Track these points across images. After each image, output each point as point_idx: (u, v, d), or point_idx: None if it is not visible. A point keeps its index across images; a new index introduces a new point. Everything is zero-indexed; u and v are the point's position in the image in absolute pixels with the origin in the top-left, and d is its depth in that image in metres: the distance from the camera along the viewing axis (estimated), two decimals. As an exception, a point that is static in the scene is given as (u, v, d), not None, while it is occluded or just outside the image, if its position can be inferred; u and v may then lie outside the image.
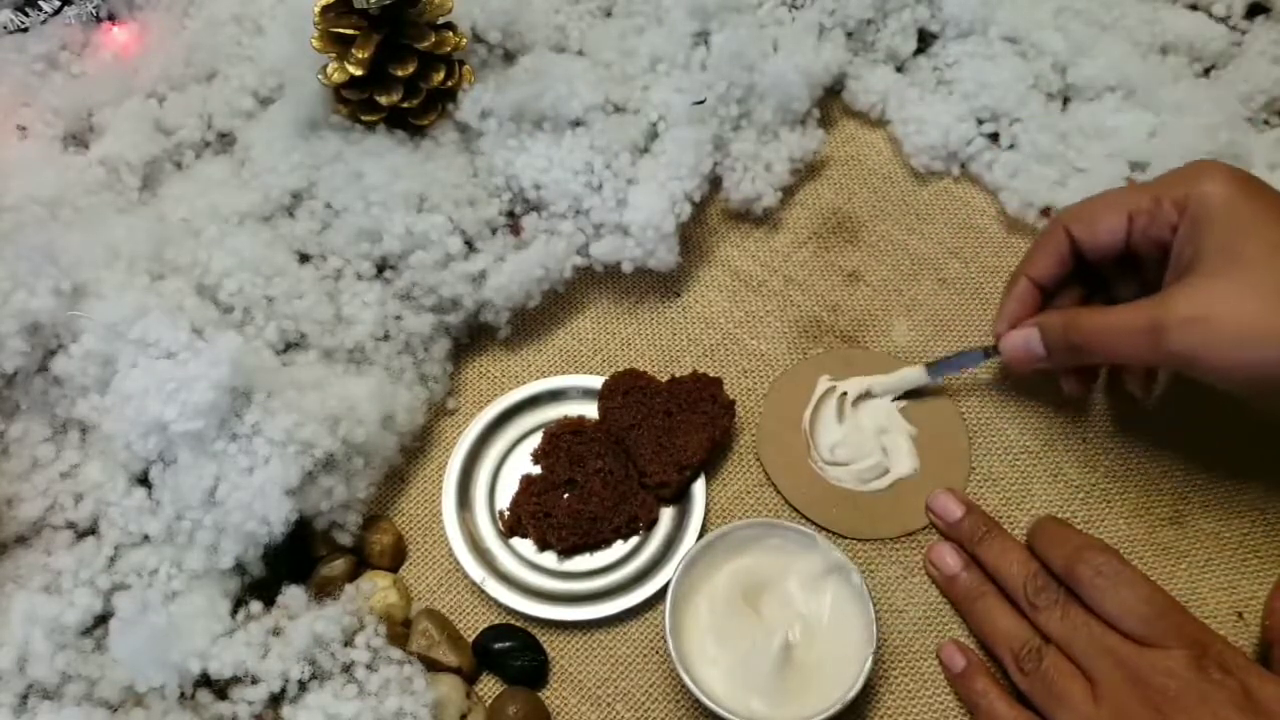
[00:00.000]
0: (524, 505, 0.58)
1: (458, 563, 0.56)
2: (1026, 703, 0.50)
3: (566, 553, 0.57)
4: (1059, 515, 0.57)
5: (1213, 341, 0.47)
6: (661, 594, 0.54)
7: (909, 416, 0.60)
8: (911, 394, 0.60)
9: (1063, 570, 0.51)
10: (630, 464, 0.58)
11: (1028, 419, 0.61)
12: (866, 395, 0.60)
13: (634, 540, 0.57)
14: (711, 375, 0.60)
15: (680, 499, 0.57)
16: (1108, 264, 0.55)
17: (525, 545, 0.57)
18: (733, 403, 0.60)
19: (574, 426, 0.59)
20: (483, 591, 0.56)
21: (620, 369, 0.62)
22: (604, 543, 0.57)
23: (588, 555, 0.57)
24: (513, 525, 0.58)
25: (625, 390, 0.60)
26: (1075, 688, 0.48)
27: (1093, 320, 0.52)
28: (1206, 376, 0.49)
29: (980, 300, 0.65)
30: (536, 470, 0.59)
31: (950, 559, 0.55)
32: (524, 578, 0.56)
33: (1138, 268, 0.55)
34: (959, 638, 0.54)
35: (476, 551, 0.56)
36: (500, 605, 0.55)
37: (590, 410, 0.61)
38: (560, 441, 0.59)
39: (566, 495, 0.58)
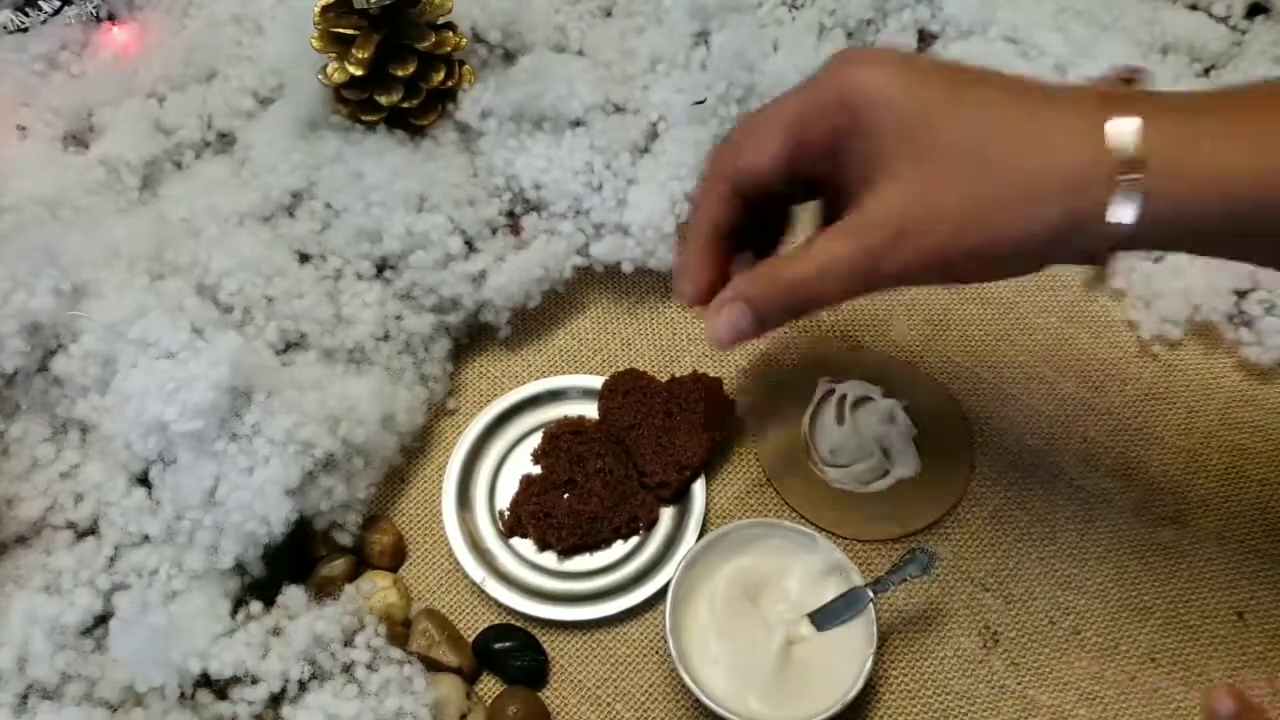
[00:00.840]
0: (524, 505, 0.58)
1: (458, 563, 0.56)
2: None
3: (566, 553, 0.57)
4: (1059, 515, 0.57)
5: (914, 257, 0.41)
6: (661, 594, 0.54)
7: (910, 416, 0.60)
8: (912, 394, 0.60)
9: None
10: (630, 464, 0.58)
11: (1028, 418, 0.61)
12: (865, 398, 0.60)
13: (634, 540, 0.57)
14: (711, 375, 0.60)
15: (680, 499, 0.57)
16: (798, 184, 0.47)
17: (525, 545, 0.57)
18: (733, 403, 0.59)
19: (574, 426, 0.59)
20: (483, 591, 0.56)
21: (620, 369, 0.62)
22: (604, 543, 0.57)
23: (588, 555, 0.57)
24: (513, 525, 0.58)
25: (625, 390, 0.60)
26: None
27: (794, 270, 0.44)
28: (936, 283, 0.44)
29: (981, 299, 0.65)
30: (537, 470, 0.59)
31: None
32: (524, 577, 0.56)
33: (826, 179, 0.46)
34: (967, 621, 0.54)
35: (476, 551, 0.56)
36: (500, 605, 0.55)
37: (590, 410, 0.61)
38: (560, 441, 0.59)
39: (566, 495, 0.58)
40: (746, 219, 0.48)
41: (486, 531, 0.58)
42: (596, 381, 0.61)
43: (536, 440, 0.60)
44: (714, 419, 0.58)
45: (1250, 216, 0.39)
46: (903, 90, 0.42)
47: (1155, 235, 0.40)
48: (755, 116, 0.47)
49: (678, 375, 0.61)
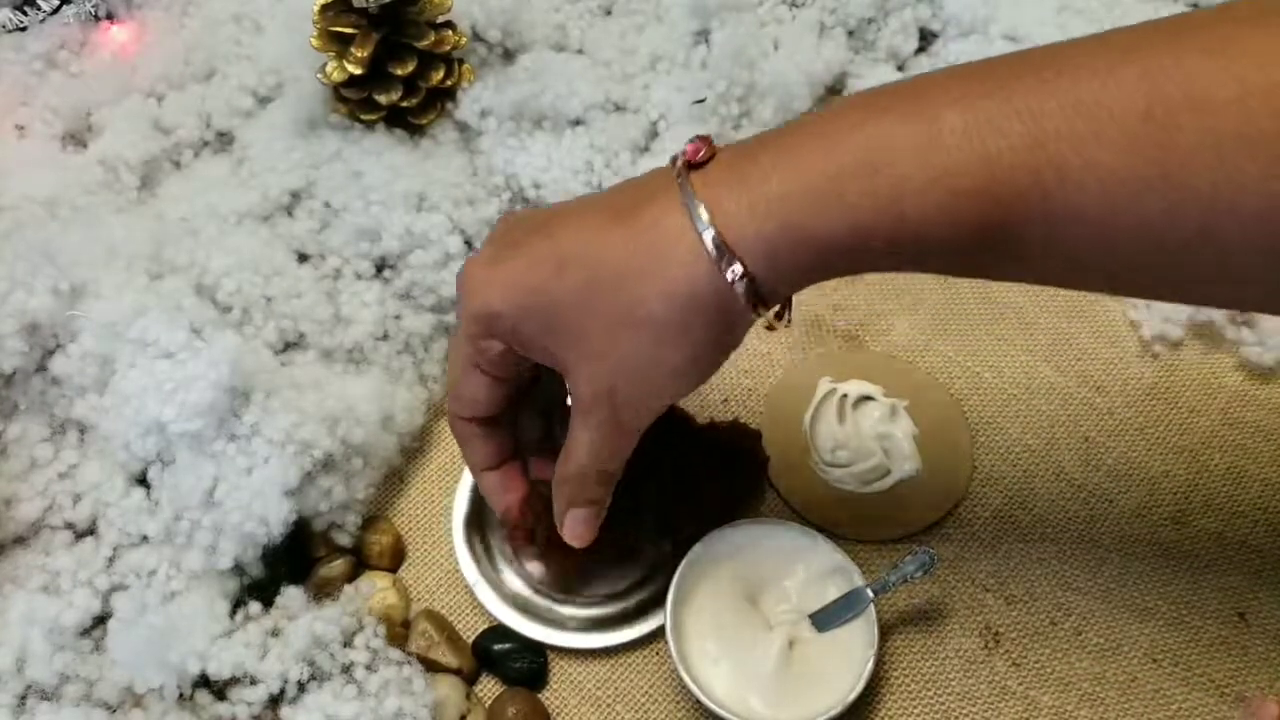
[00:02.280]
0: (537, 506, 0.53)
1: (457, 564, 0.56)
2: None
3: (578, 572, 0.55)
4: (1060, 515, 0.57)
5: (637, 406, 0.45)
6: (651, 636, 0.54)
7: (911, 416, 0.60)
8: (913, 394, 0.60)
9: None
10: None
11: (1029, 418, 0.60)
12: (866, 397, 0.60)
13: (640, 574, 0.56)
14: (753, 428, 0.58)
15: (689, 545, 0.54)
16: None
17: (534, 568, 0.56)
18: (767, 460, 0.57)
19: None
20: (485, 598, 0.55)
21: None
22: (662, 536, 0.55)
23: (596, 580, 0.56)
24: (529, 531, 0.53)
25: (659, 425, 0.58)
26: None
27: (571, 467, 0.47)
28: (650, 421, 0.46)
29: (982, 299, 0.65)
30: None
31: None
32: (535, 602, 0.55)
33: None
34: (968, 621, 0.54)
35: (490, 583, 0.55)
36: (518, 634, 0.54)
37: None
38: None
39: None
40: (508, 437, 0.51)
41: (499, 558, 0.57)
42: None
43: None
44: (743, 471, 0.56)
45: (830, 246, 0.39)
46: (518, 301, 0.43)
47: (799, 286, 0.42)
48: (450, 357, 0.49)
49: (717, 420, 0.58)
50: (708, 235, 0.40)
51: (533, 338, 0.44)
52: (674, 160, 0.42)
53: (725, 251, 0.39)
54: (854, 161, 0.38)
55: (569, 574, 0.55)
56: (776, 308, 0.43)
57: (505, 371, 0.47)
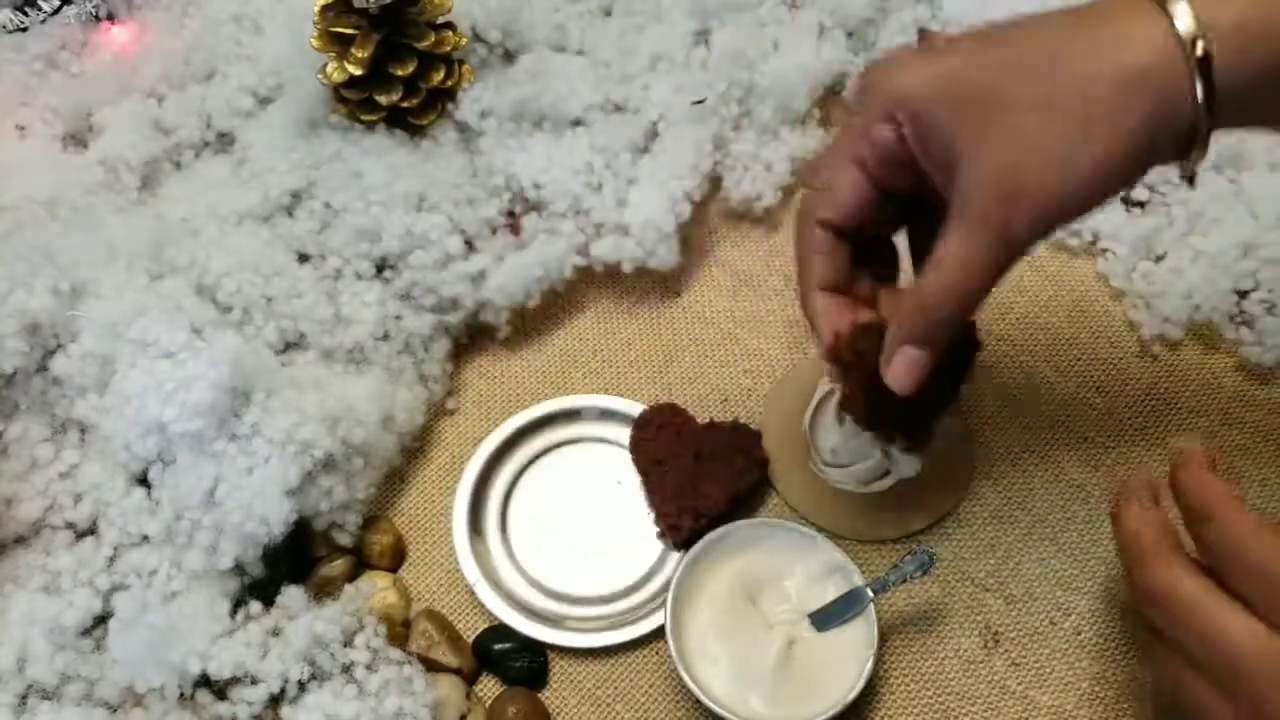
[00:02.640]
0: (864, 340, 0.48)
1: (458, 564, 0.56)
2: None
3: (880, 424, 0.51)
4: (1060, 515, 0.57)
5: (1035, 211, 0.41)
6: (651, 636, 0.54)
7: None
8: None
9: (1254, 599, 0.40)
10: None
11: (1029, 418, 0.60)
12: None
13: (638, 576, 0.56)
14: (753, 428, 0.59)
15: (688, 545, 0.54)
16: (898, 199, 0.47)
17: (535, 568, 0.57)
18: (767, 460, 0.58)
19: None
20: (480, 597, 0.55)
21: (623, 375, 0.62)
22: (918, 427, 0.52)
23: (595, 579, 0.56)
24: (851, 363, 0.49)
25: (660, 424, 0.59)
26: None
27: (935, 285, 0.43)
28: (1064, 224, 0.43)
29: (981, 300, 0.65)
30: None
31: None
32: (532, 600, 0.56)
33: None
34: (968, 621, 0.54)
35: (491, 582, 0.56)
36: (518, 634, 0.54)
37: (606, 431, 0.60)
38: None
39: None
40: (851, 263, 0.49)
41: (499, 557, 0.57)
42: (613, 402, 0.61)
43: (548, 463, 0.60)
44: (743, 472, 0.57)
45: None
46: (938, 73, 0.42)
47: (1240, 103, 0.40)
48: (819, 162, 0.48)
49: (717, 420, 0.59)
50: (1181, 19, 0.39)
51: (937, 125, 0.41)
52: None
53: (1197, 28, 0.38)
54: None
55: (867, 430, 0.52)
56: (1196, 146, 0.41)
57: (883, 171, 0.45)
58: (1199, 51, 0.38)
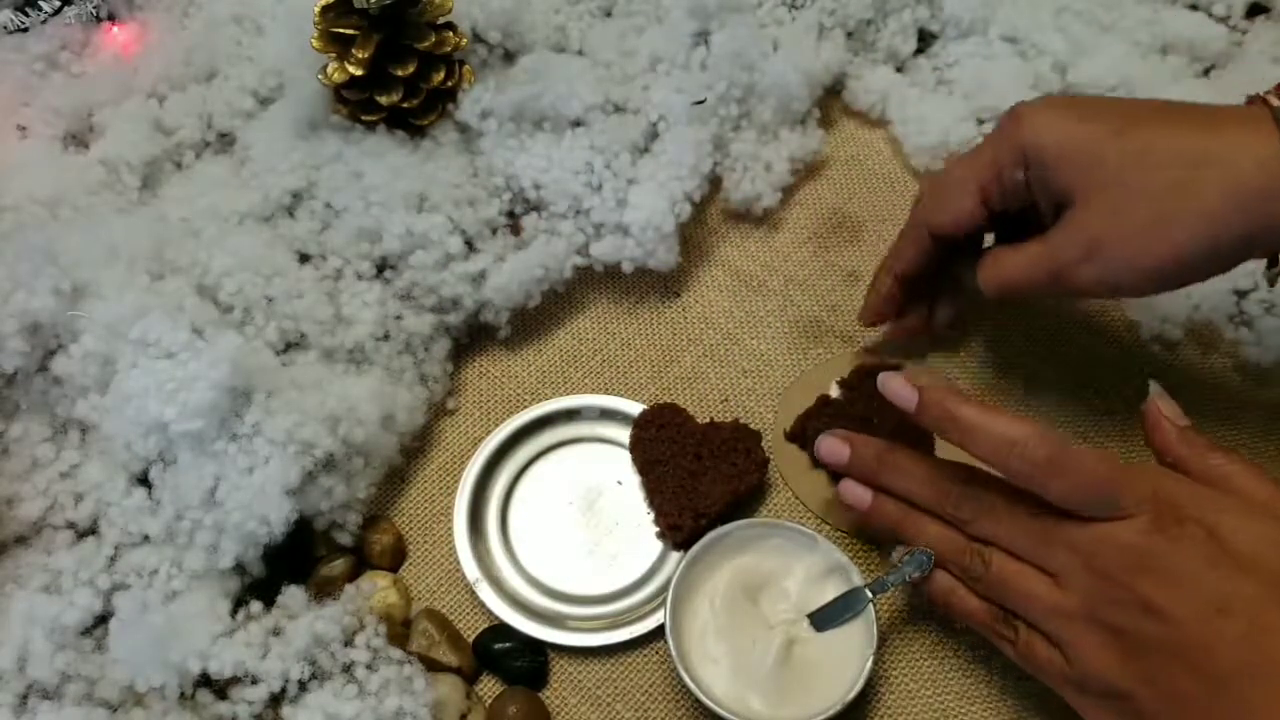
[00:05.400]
0: (815, 420, 0.58)
1: (458, 563, 0.56)
2: None
3: (838, 478, 0.55)
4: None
5: (1107, 272, 0.49)
6: (651, 636, 0.54)
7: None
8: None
9: (997, 467, 0.47)
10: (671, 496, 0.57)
11: (1034, 420, 0.60)
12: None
13: (638, 575, 0.56)
14: (753, 428, 0.59)
15: (688, 545, 0.54)
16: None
17: (535, 568, 0.57)
18: (766, 460, 0.58)
19: (887, 371, 0.56)
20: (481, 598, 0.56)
21: (622, 373, 0.62)
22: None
23: (595, 579, 0.56)
24: (797, 434, 0.59)
25: (660, 424, 0.59)
26: (1034, 582, 0.46)
27: (1007, 265, 0.53)
28: (1109, 295, 0.51)
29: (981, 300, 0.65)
30: (836, 394, 0.59)
31: (857, 490, 0.53)
32: (532, 600, 0.56)
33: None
34: (961, 631, 0.54)
35: (491, 581, 0.56)
36: (518, 633, 0.54)
37: (606, 431, 0.60)
38: (870, 381, 0.55)
39: (856, 430, 0.55)
40: (933, 265, 0.57)
41: (499, 557, 0.57)
42: (613, 401, 0.61)
43: (549, 462, 0.60)
44: (743, 472, 0.57)
45: None
46: (1074, 136, 0.49)
47: None
48: (946, 178, 0.55)
49: (717, 420, 0.59)
50: None
51: (1059, 176, 0.49)
52: (1261, 95, 0.48)
53: None
54: None
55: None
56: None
57: (999, 200, 0.52)
58: None
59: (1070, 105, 0.51)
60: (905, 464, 0.52)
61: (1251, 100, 0.49)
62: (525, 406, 0.61)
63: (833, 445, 0.54)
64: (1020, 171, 0.51)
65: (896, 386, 0.51)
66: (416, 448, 0.61)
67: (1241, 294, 0.62)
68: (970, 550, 0.48)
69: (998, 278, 0.53)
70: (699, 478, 0.57)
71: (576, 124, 0.66)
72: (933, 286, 0.60)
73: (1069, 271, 0.49)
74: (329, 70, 0.63)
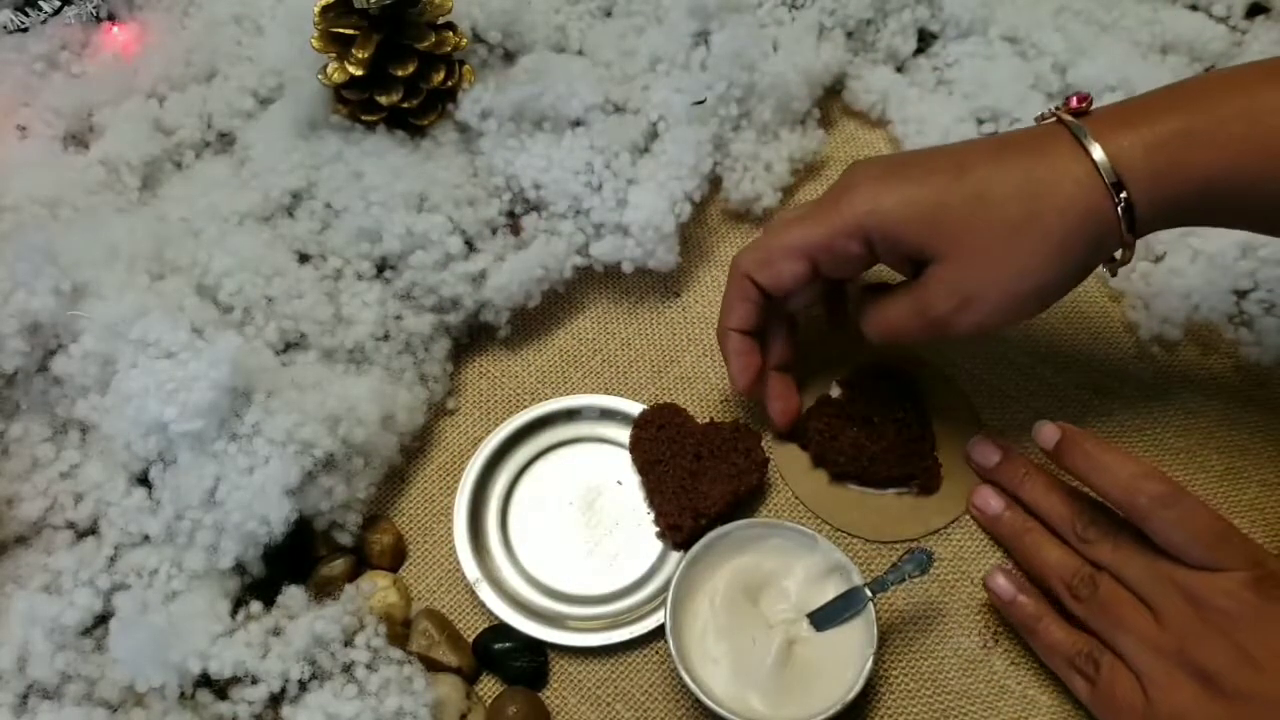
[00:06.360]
0: (815, 421, 0.58)
1: (458, 563, 0.56)
2: (1081, 629, 0.51)
3: (838, 479, 0.58)
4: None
5: (982, 317, 0.50)
6: (651, 635, 0.54)
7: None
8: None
9: (1119, 501, 0.50)
10: (923, 428, 0.58)
11: (1029, 419, 0.60)
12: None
13: (638, 575, 0.56)
14: (752, 428, 0.59)
15: (689, 545, 0.54)
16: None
17: (535, 568, 0.57)
18: (766, 460, 0.58)
19: (888, 373, 0.59)
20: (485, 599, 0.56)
21: (620, 376, 0.62)
22: (875, 484, 0.58)
23: (595, 579, 0.56)
24: (798, 434, 0.59)
25: (660, 424, 0.59)
26: (1135, 612, 0.48)
27: (888, 316, 0.53)
28: (985, 333, 0.51)
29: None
30: (837, 393, 0.59)
31: (993, 500, 0.56)
32: (532, 600, 0.56)
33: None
34: (967, 621, 0.54)
35: (491, 582, 0.56)
36: (518, 633, 0.54)
37: (606, 431, 0.60)
38: (868, 379, 0.59)
39: (856, 429, 0.57)
40: (764, 316, 0.57)
41: (499, 557, 0.57)
42: (613, 401, 0.61)
43: (549, 463, 0.60)
44: (743, 473, 0.57)
45: (1221, 192, 0.48)
46: (913, 200, 0.50)
47: (1158, 224, 0.49)
48: (773, 241, 0.54)
49: (717, 420, 0.60)
50: (1102, 164, 0.48)
51: (907, 239, 0.50)
52: (1051, 110, 0.51)
53: (1116, 179, 0.47)
54: (1234, 113, 0.47)
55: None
56: (1122, 251, 0.50)
57: (830, 269, 0.53)
58: (1121, 202, 0.47)
59: (897, 170, 0.52)
60: (1048, 481, 0.55)
61: (1043, 118, 0.51)
62: (525, 406, 0.61)
63: (986, 448, 0.58)
64: (856, 244, 0.51)
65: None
66: (416, 448, 0.61)
67: (1241, 294, 0.62)
68: (1085, 572, 0.51)
69: (879, 328, 0.54)
70: (699, 478, 0.57)
71: (576, 124, 0.66)
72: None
73: (945, 321, 0.50)
74: (329, 70, 0.63)
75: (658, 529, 0.57)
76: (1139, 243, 0.50)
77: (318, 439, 0.53)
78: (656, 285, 0.66)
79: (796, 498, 0.58)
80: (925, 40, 0.75)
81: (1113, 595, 0.49)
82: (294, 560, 0.55)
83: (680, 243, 0.64)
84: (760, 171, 0.68)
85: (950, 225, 0.49)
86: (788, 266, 0.53)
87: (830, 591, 0.52)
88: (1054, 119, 0.50)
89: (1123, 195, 0.47)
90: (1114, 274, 0.53)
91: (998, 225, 0.49)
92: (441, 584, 0.57)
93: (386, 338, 0.60)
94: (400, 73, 0.63)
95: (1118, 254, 0.50)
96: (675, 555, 0.56)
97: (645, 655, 0.54)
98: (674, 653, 0.50)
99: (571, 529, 0.58)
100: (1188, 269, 0.62)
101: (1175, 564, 0.48)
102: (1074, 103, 0.50)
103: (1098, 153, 0.48)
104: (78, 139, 0.69)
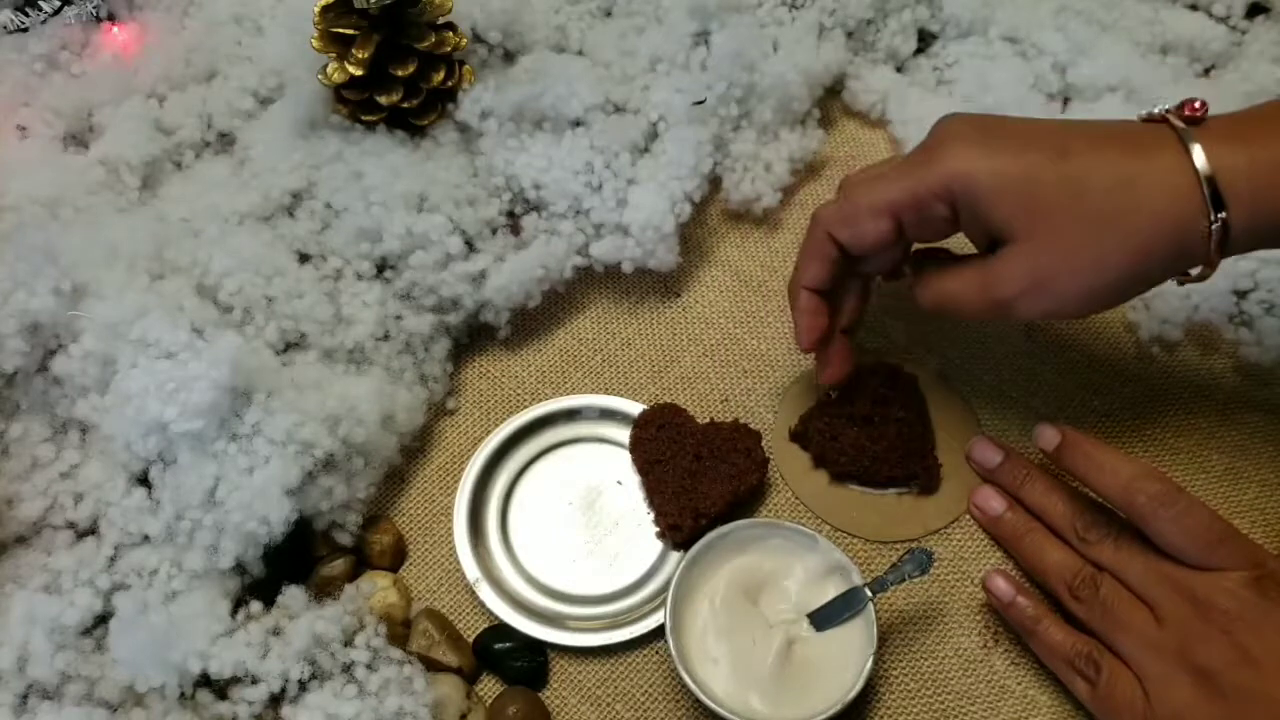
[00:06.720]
0: (817, 421, 0.58)
1: (458, 563, 0.56)
2: (1081, 629, 0.51)
3: (839, 479, 0.58)
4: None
5: (1050, 304, 0.49)
6: (651, 636, 0.54)
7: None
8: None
9: (1119, 501, 0.50)
10: (925, 427, 0.58)
11: (1029, 419, 0.60)
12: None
13: (637, 575, 0.57)
14: (753, 428, 0.59)
15: (689, 545, 0.54)
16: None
17: (535, 568, 0.57)
18: (766, 460, 0.58)
19: (889, 372, 0.59)
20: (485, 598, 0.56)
21: (621, 372, 0.62)
22: (875, 484, 0.58)
23: (593, 579, 0.56)
24: (799, 434, 0.59)
25: (660, 424, 0.59)
26: (1135, 612, 0.48)
27: (947, 288, 0.52)
28: (1043, 320, 0.51)
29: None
30: (836, 394, 0.59)
31: (994, 501, 0.56)
32: (532, 600, 0.56)
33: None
34: (967, 621, 0.54)
35: (491, 582, 0.56)
36: (519, 633, 0.55)
37: (606, 431, 0.60)
38: (870, 380, 0.59)
39: (857, 430, 0.57)
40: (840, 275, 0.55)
41: (499, 557, 0.57)
42: (613, 402, 0.61)
43: (550, 463, 0.60)
44: (743, 472, 0.57)
45: None
46: (1008, 171, 0.48)
47: (1249, 246, 0.48)
48: (858, 197, 0.52)
49: (717, 420, 0.60)
50: (1206, 180, 0.46)
51: (993, 211, 0.48)
52: (1162, 112, 0.48)
53: (1218, 197, 0.45)
54: None
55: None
56: (1202, 269, 0.48)
57: (914, 231, 0.51)
58: (1217, 220, 0.46)
59: (993, 135, 0.49)
60: (1048, 482, 0.55)
61: (1152, 119, 0.49)
62: (525, 406, 0.61)
63: (987, 449, 0.58)
64: (944, 207, 0.49)
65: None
66: (416, 448, 0.61)
67: (1241, 294, 0.62)
68: (1086, 573, 0.51)
69: (937, 297, 0.52)
70: (699, 478, 0.57)
71: (576, 124, 0.66)
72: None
73: (1010, 304, 0.49)
74: (329, 70, 0.63)
75: (658, 529, 0.57)
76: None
77: (318, 439, 0.53)
78: (656, 285, 0.66)
79: (797, 498, 0.58)
80: (925, 40, 0.75)
81: (1113, 596, 0.49)
82: (294, 560, 0.55)
83: (680, 243, 0.64)
84: (760, 172, 0.68)
85: (1040, 206, 0.47)
86: (871, 225, 0.51)
87: (830, 591, 0.52)
88: (1163, 120, 0.48)
89: (1221, 215, 0.46)
90: (1181, 284, 0.51)
91: (1089, 215, 0.47)
92: (441, 584, 0.57)
93: (386, 338, 0.60)
94: (400, 73, 0.63)
95: (1195, 270, 0.49)
96: (675, 555, 0.56)
97: (645, 655, 0.54)
98: (674, 653, 0.50)
99: (571, 529, 0.58)
100: (1188, 269, 0.62)
101: (1175, 564, 0.48)
102: (1188, 110, 0.48)
103: (1203, 167, 0.46)
104: (78, 139, 0.69)
